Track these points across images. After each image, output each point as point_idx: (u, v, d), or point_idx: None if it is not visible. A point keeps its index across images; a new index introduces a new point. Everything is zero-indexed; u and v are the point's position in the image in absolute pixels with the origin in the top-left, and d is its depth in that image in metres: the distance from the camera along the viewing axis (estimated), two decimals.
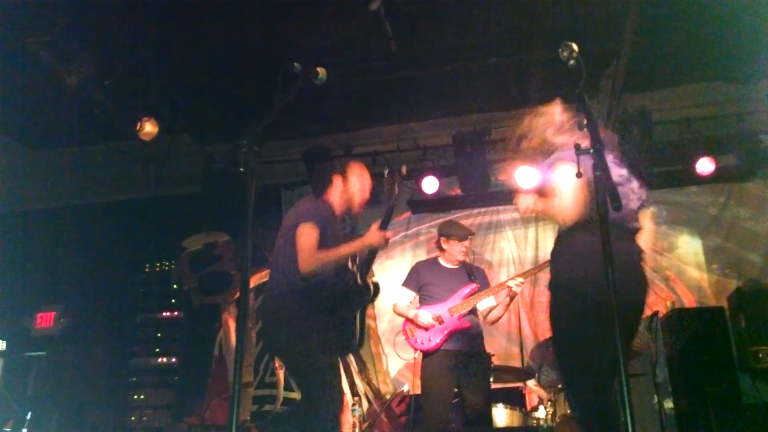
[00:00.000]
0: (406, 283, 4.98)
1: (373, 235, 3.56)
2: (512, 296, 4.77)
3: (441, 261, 5.01)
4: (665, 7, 5.04)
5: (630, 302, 2.82)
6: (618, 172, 3.01)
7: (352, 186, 3.81)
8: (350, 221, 4.03)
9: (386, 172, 4.07)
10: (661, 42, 5.42)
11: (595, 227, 2.70)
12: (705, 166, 6.28)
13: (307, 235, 3.44)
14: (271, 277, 3.61)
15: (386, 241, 3.60)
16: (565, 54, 2.52)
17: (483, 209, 7.18)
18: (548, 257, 5.33)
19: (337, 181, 3.81)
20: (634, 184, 3.05)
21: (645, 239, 3.05)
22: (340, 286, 3.60)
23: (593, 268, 2.71)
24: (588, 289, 2.72)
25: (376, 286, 3.74)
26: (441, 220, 6.33)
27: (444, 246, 4.98)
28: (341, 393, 3.52)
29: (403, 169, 4.03)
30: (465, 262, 5.00)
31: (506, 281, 4.82)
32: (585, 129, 2.41)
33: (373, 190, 3.94)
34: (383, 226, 3.59)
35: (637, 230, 3.04)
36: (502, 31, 5.38)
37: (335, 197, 3.79)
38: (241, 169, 2.48)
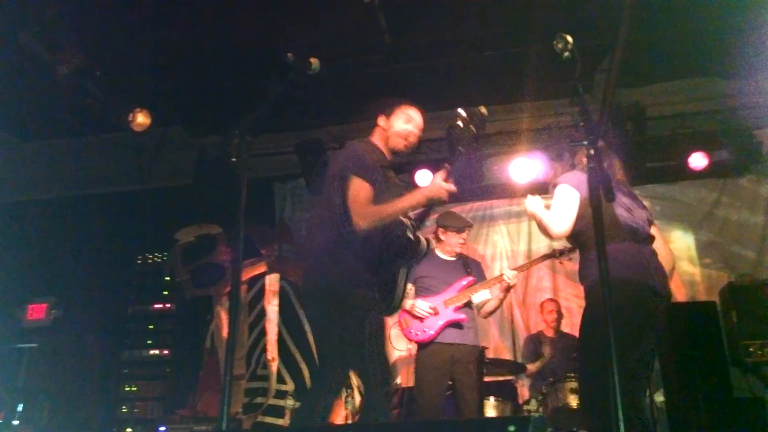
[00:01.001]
0: None
1: (435, 187, 3.21)
2: (507, 288, 4.79)
3: (438, 252, 5.01)
4: (660, 1, 5.04)
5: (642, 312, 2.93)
6: (626, 202, 3.16)
7: (394, 127, 3.43)
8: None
9: (459, 112, 3.39)
10: (655, 37, 5.42)
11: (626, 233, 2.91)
12: (698, 161, 6.29)
13: (359, 189, 3.07)
14: (314, 232, 3.24)
15: (449, 195, 3.22)
16: (559, 46, 2.51)
17: (476, 203, 7.18)
18: (541, 251, 5.37)
19: (380, 120, 3.46)
20: (642, 209, 3.22)
21: (659, 245, 3.22)
22: (390, 238, 3.18)
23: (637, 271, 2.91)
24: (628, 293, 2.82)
25: (429, 241, 3.38)
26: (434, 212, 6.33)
27: (441, 237, 4.98)
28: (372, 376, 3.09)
29: (483, 109, 3.50)
30: (461, 254, 5.00)
31: (502, 273, 4.85)
32: (579, 122, 2.41)
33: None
34: (450, 177, 3.24)
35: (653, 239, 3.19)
36: (497, 25, 5.37)
37: (378, 137, 3.43)
38: (233, 160, 2.46)
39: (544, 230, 3.18)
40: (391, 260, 3.21)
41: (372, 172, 3.16)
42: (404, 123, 3.44)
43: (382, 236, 3.14)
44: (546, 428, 1.47)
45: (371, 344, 3.07)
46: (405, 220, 3.26)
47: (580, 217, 3.05)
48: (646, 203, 3.33)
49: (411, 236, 3.23)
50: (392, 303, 3.24)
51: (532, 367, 5.72)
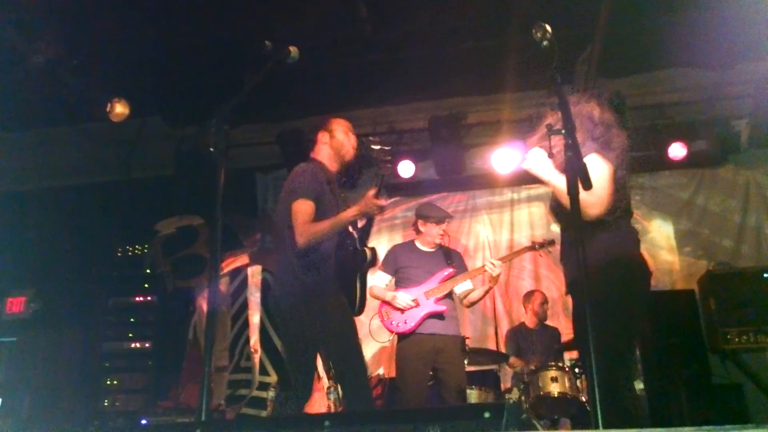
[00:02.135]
0: (382, 266, 4.98)
1: (367, 202, 3.54)
2: (493, 281, 4.80)
3: (417, 244, 5.01)
4: None
5: (635, 289, 2.87)
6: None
7: (339, 138, 3.80)
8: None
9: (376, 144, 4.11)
10: (635, 27, 5.44)
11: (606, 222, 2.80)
12: (677, 151, 6.34)
13: (301, 211, 3.45)
14: (278, 255, 3.68)
15: (381, 208, 3.57)
16: (538, 35, 2.51)
17: (458, 193, 7.21)
18: (523, 241, 5.41)
19: (323, 137, 3.81)
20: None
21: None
22: (342, 251, 3.66)
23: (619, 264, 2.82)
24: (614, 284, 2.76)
25: (374, 251, 3.81)
26: (416, 203, 6.35)
27: (421, 228, 4.97)
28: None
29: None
30: (442, 245, 5.01)
31: (484, 264, 4.86)
32: (557, 110, 2.41)
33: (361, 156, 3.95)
34: (378, 194, 3.57)
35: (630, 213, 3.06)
36: (478, 16, 5.36)
37: (325, 151, 3.79)
38: (211, 150, 2.44)
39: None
40: (347, 270, 3.65)
41: (316, 191, 3.53)
42: (344, 134, 3.83)
43: (336, 250, 3.61)
44: (521, 414, 1.48)
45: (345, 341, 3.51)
46: (353, 232, 3.71)
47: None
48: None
49: (358, 247, 3.72)
50: (356, 306, 3.70)
51: (515, 362, 5.74)
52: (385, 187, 3.63)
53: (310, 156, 3.82)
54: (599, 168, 2.80)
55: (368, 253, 3.76)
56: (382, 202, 3.54)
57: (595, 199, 2.74)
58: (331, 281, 3.52)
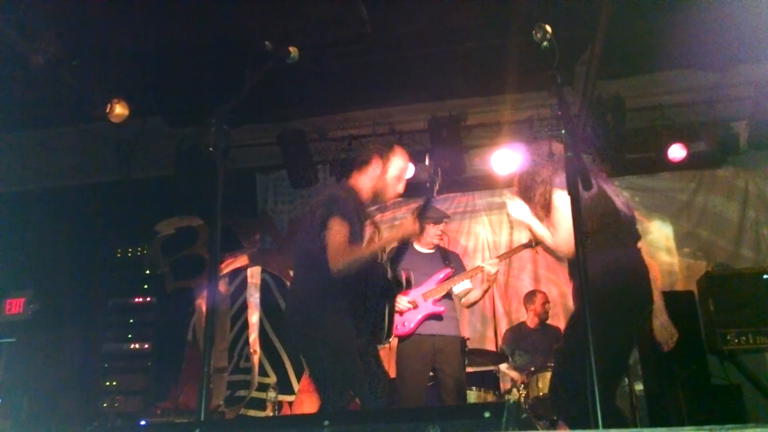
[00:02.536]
0: None
1: (408, 225, 3.34)
2: (490, 280, 4.79)
3: (415, 245, 5.00)
4: None
5: (636, 303, 2.94)
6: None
7: (391, 172, 3.50)
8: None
9: (427, 158, 3.62)
10: (635, 29, 5.45)
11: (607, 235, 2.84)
12: (677, 152, 6.35)
13: (336, 232, 3.16)
14: (296, 273, 3.46)
15: (422, 231, 3.38)
16: (538, 35, 2.51)
17: (458, 194, 7.20)
18: (522, 241, 5.41)
19: (376, 163, 3.48)
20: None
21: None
22: (369, 279, 3.39)
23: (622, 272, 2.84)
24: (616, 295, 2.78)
25: (408, 281, 3.69)
26: (416, 205, 6.33)
27: None
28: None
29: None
30: (440, 245, 5.01)
31: (480, 264, 4.85)
32: (557, 111, 2.41)
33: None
34: (421, 216, 3.37)
35: (638, 237, 3.09)
36: (478, 16, 5.36)
37: (366, 181, 3.49)
38: (211, 150, 2.44)
39: (545, 246, 3.08)
40: (377, 300, 3.43)
41: (349, 212, 3.28)
42: (398, 178, 3.54)
43: (364, 279, 3.33)
44: (521, 414, 1.48)
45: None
46: (381, 259, 3.47)
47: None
48: (625, 194, 3.34)
49: (389, 277, 3.49)
50: (383, 335, 3.49)
51: (516, 378, 5.68)
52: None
53: (350, 178, 3.55)
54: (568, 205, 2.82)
55: (402, 283, 3.57)
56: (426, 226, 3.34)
57: (568, 236, 2.69)
58: (332, 281, 3.33)
